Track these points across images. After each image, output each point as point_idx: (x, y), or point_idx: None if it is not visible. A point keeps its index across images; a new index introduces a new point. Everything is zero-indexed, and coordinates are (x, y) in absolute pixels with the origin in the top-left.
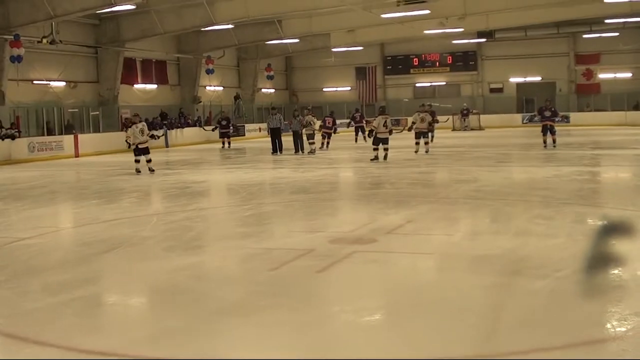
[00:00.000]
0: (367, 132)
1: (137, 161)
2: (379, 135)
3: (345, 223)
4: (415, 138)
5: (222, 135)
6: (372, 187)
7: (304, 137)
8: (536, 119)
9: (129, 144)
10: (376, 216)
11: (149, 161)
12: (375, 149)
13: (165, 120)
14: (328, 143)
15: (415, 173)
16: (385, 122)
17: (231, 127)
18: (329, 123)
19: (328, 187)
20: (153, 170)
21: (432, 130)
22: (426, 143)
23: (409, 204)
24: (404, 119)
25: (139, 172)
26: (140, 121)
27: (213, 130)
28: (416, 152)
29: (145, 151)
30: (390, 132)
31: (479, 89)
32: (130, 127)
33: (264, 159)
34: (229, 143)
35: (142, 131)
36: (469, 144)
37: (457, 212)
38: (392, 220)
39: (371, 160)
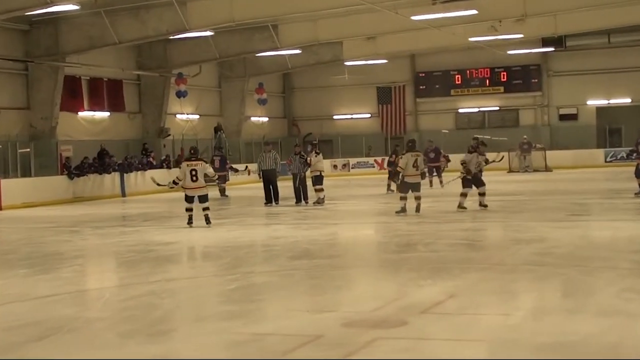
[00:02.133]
0: (393, 177)
1: (187, 209)
2: (407, 180)
3: (364, 299)
4: (400, 192)
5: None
6: (400, 249)
7: (308, 182)
8: (633, 156)
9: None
10: (406, 289)
11: (205, 209)
12: (403, 198)
13: (122, 159)
14: (441, 181)
15: (458, 230)
16: (416, 161)
17: (228, 168)
18: (434, 156)
19: (340, 250)
20: (209, 222)
21: (438, 173)
22: (417, 198)
23: (450, 272)
24: (442, 157)
25: (191, 223)
26: (198, 159)
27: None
28: (461, 207)
29: (202, 199)
30: (423, 176)
31: (545, 115)
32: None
33: (254, 211)
34: (223, 190)
35: (194, 173)
36: (531, 190)
37: (517, 283)
38: (427, 295)
39: (397, 212)
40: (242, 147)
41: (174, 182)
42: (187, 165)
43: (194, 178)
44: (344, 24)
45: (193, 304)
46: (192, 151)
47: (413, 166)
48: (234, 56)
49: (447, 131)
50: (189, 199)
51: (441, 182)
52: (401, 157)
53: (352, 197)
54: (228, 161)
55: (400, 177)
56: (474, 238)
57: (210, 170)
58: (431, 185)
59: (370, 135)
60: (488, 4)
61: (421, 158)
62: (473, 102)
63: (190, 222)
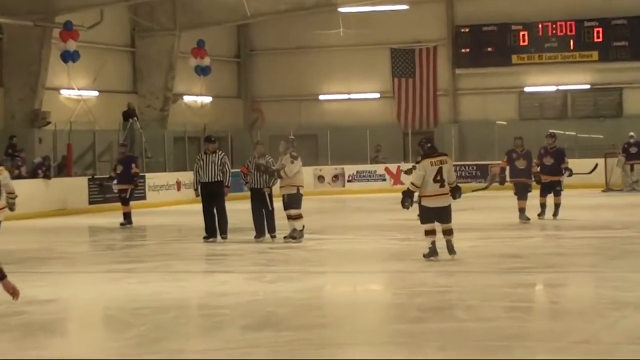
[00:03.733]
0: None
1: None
2: (427, 203)
3: None
4: (422, 222)
5: (124, 198)
6: (426, 316)
7: (277, 203)
8: None
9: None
10: None
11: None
12: (429, 233)
13: None
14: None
15: (520, 284)
16: (439, 172)
17: (136, 180)
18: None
19: (328, 317)
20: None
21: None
22: (446, 232)
23: (510, 353)
24: (494, 165)
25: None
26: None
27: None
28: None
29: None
30: (456, 194)
31: None
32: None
33: (187, 251)
34: (127, 216)
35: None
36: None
37: None
38: None
39: (426, 256)
40: (169, 144)
41: None
42: None
43: None
44: None
45: None
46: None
47: (435, 181)
48: None
49: (504, 123)
50: None
51: (557, 209)
52: (414, 168)
53: (348, 229)
54: (135, 165)
55: (416, 199)
56: (548, 297)
57: (7, 182)
58: (541, 214)
59: (379, 128)
60: None
61: (449, 166)
62: (548, 76)
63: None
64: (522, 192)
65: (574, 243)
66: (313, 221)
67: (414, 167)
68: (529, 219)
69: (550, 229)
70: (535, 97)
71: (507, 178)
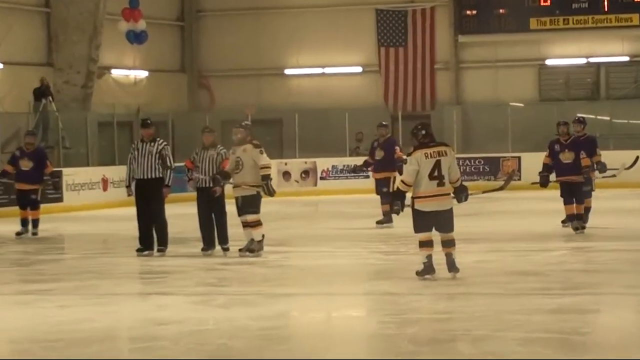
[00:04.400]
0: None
1: None
2: (421, 207)
3: None
4: (416, 231)
5: (24, 202)
6: (420, 349)
7: (231, 206)
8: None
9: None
10: None
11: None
12: (424, 245)
13: None
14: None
15: (536, 311)
16: (437, 166)
17: (47, 180)
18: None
19: (295, 351)
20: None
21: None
22: (446, 243)
23: None
24: (507, 158)
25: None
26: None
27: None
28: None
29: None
30: (460, 195)
31: None
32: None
33: (118, 267)
34: (35, 222)
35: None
36: None
37: None
38: None
39: (419, 274)
40: (93, 131)
41: None
42: None
43: None
44: None
45: None
46: None
47: (432, 178)
48: None
49: (520, 105)
50: None
51: (586, 214)
52: (405, 160)
53: (321, 240)
54: (49, 161)
55: (409, 202)
56: (574, 327)
57: None
58: (566, 220)
59: (362, 111)
60: None
61: (449, 159)
62: (575, 45)
63: None
64: (568, 194)
65: (608, 257)
66: (276, 229)
67: (404, 161)
68: (584, 227)
69: (577, 239)
70: (559, 72)
71: (554, 176)
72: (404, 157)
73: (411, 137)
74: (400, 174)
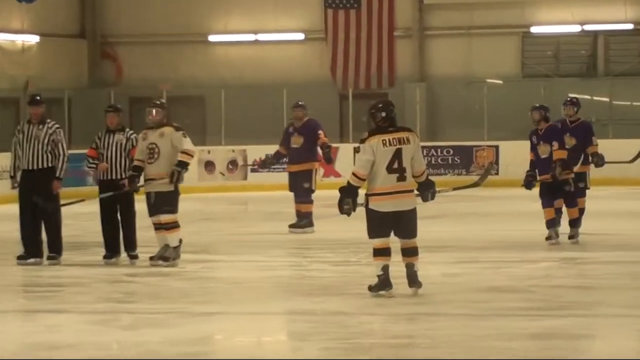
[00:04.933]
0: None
1: None
2: (376, 207)
3: None
4: (370, 236)
5: None
6: None
7: (140, 204)
8: None
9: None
10: None
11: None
12: (379, 254)
13: None
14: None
15: (517, 336)
16: (397, 157)
17: None
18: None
19: None
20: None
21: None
22: (407, 252)
23: None
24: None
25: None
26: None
27: None
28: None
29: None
30: (426, 193)
31: None
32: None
33: None
34: None
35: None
36: None
37: None
38: None
39: (372, 289)
40: None
41: None
42: None
43: None
44: None
45: None
46: None
47: (392, 171)
48: None
49: (499, 82)
50: None
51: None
52: (328, 147)
53: (252, 247)
54: None
55: (362, 201)
56: (563, 354)
57: None
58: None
59: (303, 88)
60: None
61: (412, 148)
62: (567, 9)
63: None
64: (547, 195)
65: (604, 271)
66: (197, 233)
67: (358, 149)
68: (557, 238)
69: (568, 248)
70: (547, 42)
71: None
72: (329, 143)
73: (367, 120)
74: (328, 162)
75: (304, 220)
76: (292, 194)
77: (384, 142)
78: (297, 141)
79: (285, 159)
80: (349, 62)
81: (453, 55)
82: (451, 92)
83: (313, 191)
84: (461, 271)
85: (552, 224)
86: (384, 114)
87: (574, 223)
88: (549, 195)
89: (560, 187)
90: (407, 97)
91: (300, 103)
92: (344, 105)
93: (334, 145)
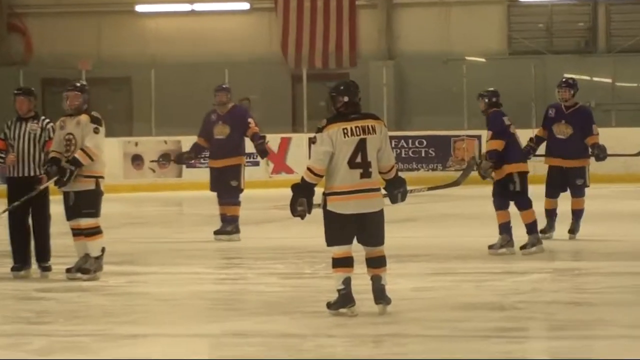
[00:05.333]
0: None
1: None
2: (335, 208)
3: None
4: (329, 243)
5: None
6: None
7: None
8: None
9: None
10: None
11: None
12: (339, 264)
13: None
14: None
15: None
16: (361, 147)
17: None
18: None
19: None
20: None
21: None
22: (373, 263)
23: None
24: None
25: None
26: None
27: None
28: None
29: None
30: (395, 192)
31: None
32: None
33: None
34: None
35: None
36: None
37: None
38: None
39: (333, 307)
40: None
41: None
42: None
43: None
44: None
45: None
46: None
47: (354, 165)
48: None
49: (481, 59)
50: None
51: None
52: (315, 138)
53: (186, 256)
54: None
55: (321, 200)
56: None
57: None
58: (546, 229)
59: (249, 66)
60: None
61: (379, 139)
62: None
63: None
64: (554, 184)
65: (604, 284)
66: (122, 241)
67: (314, 140)
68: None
69: (563, 256)
70: (538, 12)
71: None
72: (262, 133)
73: (327, 104)
74: (263, 156)
75: (230, 226)
76: (214, 194)
77: (345, 131)
78: (221, 131)
79: (206, 153)
80: (303, 37)
81: (427, 28)
82: (424, 73)
83: (241, 190)
84: (436, 285)
85: (551, 214)
86: (345, 99)
87: (531, 229)
88: (557, 185)
89: (566, 180)
90: (372, 78)
91: (224, 86)
92: (297, 87)
93: (285, 135)
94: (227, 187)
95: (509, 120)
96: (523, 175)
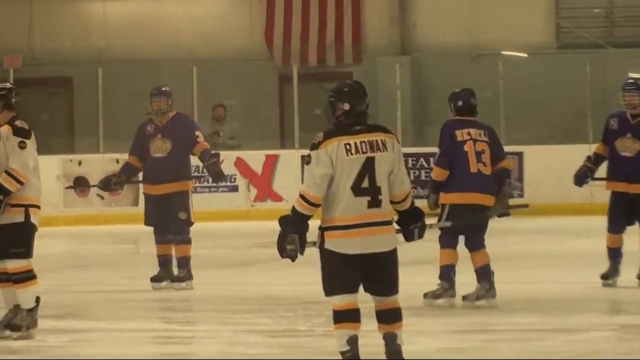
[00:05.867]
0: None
1: None
2: (336, 247)
3: None
4: (327, 292)
5: None
6: None
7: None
8: None
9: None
10: None
11: None
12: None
13: None
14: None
15: None
16: (368, 167)
17: None
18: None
19: None
20: None
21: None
22: (385, 317)
23: None
24: None
25: None
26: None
27: None
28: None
29: None
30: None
31: None
32: None
33: None
34: None
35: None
36: None
37: None
38: None
39: None
40: None
41: None
42: None
43: None
44: None
45: None
46: None
47: (359, 192)
48: None
49: (522, 55)
50: None
51: None
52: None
53: (144, 308)
54: None
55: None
56: None
57: None
58: (609, 275)
59: (226, 64)
60: None
61: (390, 157)
62: None
63: None
64: (621, 214)
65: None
66: (62, 289)
67: (307, 159)
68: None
69: (630, 308)
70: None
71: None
72: (214, 151)
73: (325, 112)
74: (217, 180)
75: (183, 270)
76: (151, 228)
77: (348, 147)
78: (160, 147)
79: (139, 175)
80: (293, 28)
81: (451, 15)
82: (449, 72)
83: (191, 224)
84: (466, 345)
85: (616, 254)
86: (346, 106)
87: (482, 273)
88: (625, 216)
89: (634, 209)
90: (381, 78)
91: (163, 89)
92: (285, 90)
93: (271, 152)
94: (171, 221)
95: (470, 133)
96: (458, 207)
